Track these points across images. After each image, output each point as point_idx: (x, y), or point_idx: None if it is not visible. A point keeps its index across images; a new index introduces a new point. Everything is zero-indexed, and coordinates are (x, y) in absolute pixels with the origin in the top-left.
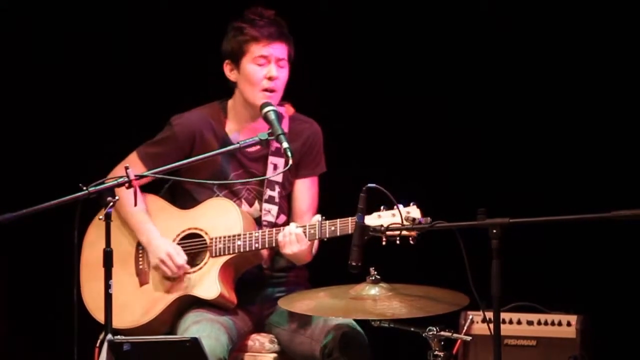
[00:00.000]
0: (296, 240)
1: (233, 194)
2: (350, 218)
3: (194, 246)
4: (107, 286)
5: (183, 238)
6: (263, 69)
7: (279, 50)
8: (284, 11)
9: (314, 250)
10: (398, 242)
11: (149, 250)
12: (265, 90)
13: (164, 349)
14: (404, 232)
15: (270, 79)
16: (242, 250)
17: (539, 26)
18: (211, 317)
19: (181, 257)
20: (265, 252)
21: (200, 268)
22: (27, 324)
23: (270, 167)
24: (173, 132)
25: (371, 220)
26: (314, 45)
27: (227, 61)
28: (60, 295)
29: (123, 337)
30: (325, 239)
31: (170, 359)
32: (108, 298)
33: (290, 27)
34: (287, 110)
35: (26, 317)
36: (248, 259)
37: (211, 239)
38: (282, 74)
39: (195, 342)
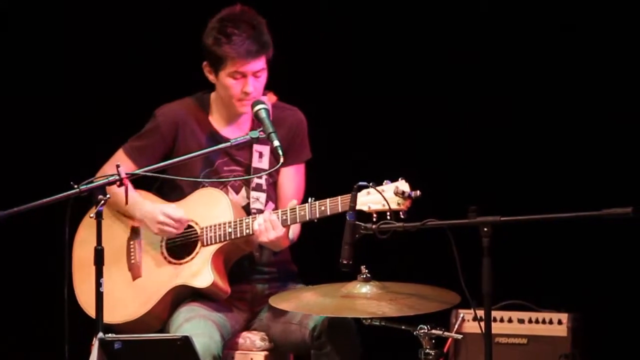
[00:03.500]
0: (272, 227)
1: (219, 182)
2: (340, 197)
3: (186, 237)
4: (98, 284)
5: None
6: (239, 83)
7: (256, 64)
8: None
9: (291, 236)
10: (389, 216)
11: (147, 222)
12: (241, 100)
13: (155, 347)
14: (394, 207)
15: (246, 93)
16: (232, 237)
17: (533, 25)
18: (204, 313)
19: (177, 211)
20: (256, 240)
21: (193, 258)
22: (18, 323)
23: (255, 155)
24: (157, 124)
25: (361, 197)
26: (305, 36)
27: (205, 63)
28: (51, 293)
29: (114, 336)
30: (316, 220)
31: (162, 357)
32: (99, 296)
33: (274, 17)
34: (270, 98)
35: (16, 315)
36: (239, 247)
37: (202, 228)
38: (259, 84)
39: (186, 340)
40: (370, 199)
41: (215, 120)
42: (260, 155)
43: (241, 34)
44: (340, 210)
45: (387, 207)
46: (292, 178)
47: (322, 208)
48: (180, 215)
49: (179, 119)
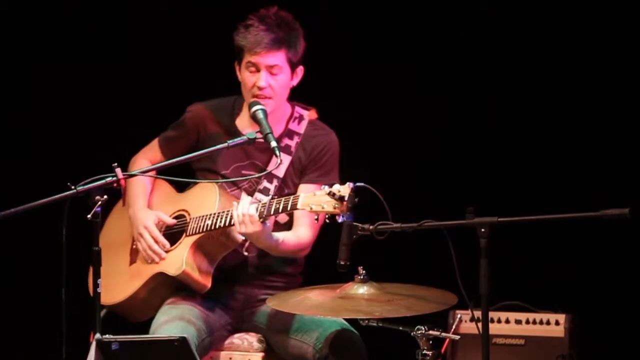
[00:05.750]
0: (250, 221)
1: (233, 184)
2: (292, 196)
3: (178, 226)
4: (95, 285)
5: (173, 219)
6: (253, 77)
7: (271, 58)
8: (290, 8)
9: (280, 238)
10: (327, 220)
11: (133, 223)
12: (255, 97)
13: (153, 348)
14: (329, 210)
15: (258, 88)
16: (210, 228)
17: (531, 26)
18: (180, 312)
19: (156, 230)
20: (239, 237)
21: (176, 247)
22: (15, 323)
23: (273, 161)
24: (184, 119)
25: (307, 198)
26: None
27: (235, 61)
28: (48, 294)
29: (111, 337)
30: (273, 216)
31: (159, 357)
32: (96, 297)
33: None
34: (310, 115)
35: (14, 315)
36: (219, 240)
37: (190, 219)
38: (274, 81)
39: (183, 341)
40: (312, 200)
41: (243, 122)
42: (277, 163)
43: (259, 26)
44: (289, 209)
45: (325, 209)
46: None
47: (277, 206)
48: (157, 234)
49: (201, 120)
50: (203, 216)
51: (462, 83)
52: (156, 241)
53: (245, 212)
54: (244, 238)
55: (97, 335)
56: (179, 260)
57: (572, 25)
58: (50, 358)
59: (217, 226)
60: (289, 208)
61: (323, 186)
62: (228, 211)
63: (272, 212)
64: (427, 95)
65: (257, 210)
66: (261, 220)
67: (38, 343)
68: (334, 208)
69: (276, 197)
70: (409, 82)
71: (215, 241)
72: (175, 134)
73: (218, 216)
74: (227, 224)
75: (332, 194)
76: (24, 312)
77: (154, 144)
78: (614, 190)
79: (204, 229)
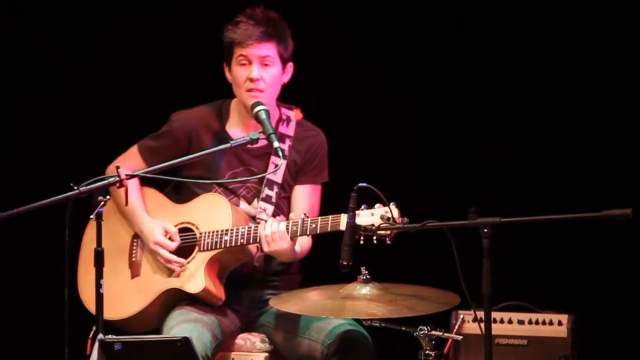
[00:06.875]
0: (279, 238)
1: (230, 192)
2: (330, 216)
3: (185, 240)
4: (98, 286)
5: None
6: (245, 70)
7: (261, 50)
8: (284, 11)
9: (298, 249)
10: (375, 241)
11: (143, 239)
12: (249, 90)
13: (155, 349)
14: (380, 232)
15: (251, 80)
16: (228, 245)
17: (531, 25)
18: (195, 316)
19: (169, 246)
20: (254, 250)
21: (189, 262)
22: (17, 324)
23: (271, 167)
24: (171, 128)
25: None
26: (307, 43)
27: (224, 63)
28: (51, 295)
29: (114, 337)
30: (307, 236)
31: (162, 358)
32: (99, 297)
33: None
34: (296, 115)
35: (16, 317)
36: (236, 255)
37: (201, 233)
38: (266, 73)
39: (186, 342)
40: (360, 222)
41: (233, 126)
42: (276, 166)
43: (248, 21)
44: (329, 229)
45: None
46: (305, 197)
47: (313, 226)
48: (168, 256)
49: (192, 128)
50: (218, 232)
51: (464, 83)
52: (167, 260)
53: (275, 230)
54: (256, 250)
55: (100, 336)
56: (198, 277)
57: (574, 25)
58: (52, 358)
59: (238, 243)
60: (328, 229)
61: (363, 206)
62: (249, 228)
63: (307, 232)
64: (429, 95)
65: (287, 228)
66: (291, 238)
67: (39, 343)
68: (384, 230)
69: (306, 215)
70: (412, 81)
71: (232, 256)
72: (163, 144)
73: (237, 233)
74: (250, 241)
75: (385, 218)
76: (26, 312)
77: (134, 154)
78: (616, 190)
79: (222, 245)
